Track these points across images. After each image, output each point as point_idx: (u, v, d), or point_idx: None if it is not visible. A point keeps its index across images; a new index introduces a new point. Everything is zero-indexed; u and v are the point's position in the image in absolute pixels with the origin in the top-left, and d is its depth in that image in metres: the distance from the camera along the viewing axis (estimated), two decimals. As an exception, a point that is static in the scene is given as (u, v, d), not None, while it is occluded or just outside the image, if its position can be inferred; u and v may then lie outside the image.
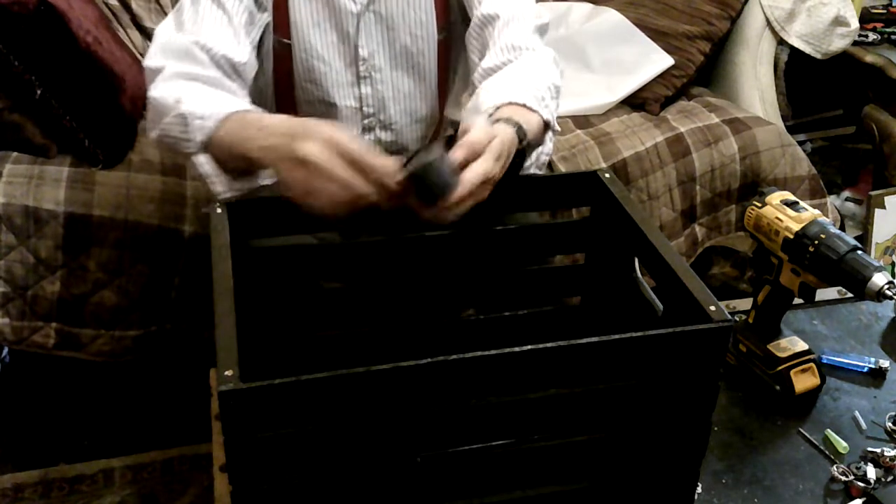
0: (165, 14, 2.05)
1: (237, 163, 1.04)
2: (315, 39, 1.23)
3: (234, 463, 0.76)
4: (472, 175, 0.96)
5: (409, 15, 1.24)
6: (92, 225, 1.60)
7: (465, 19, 1.27)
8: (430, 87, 1.31)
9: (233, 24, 1.15)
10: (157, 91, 1.09)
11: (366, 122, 1.30)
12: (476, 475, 0.86)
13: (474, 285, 1.13)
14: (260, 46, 1.23)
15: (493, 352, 0.78)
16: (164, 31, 1.16)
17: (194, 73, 1.10)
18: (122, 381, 1.84)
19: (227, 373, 0.74)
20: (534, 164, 1.19)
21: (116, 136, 1.68)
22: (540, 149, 1.18)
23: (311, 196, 0.95)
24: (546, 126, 1.13)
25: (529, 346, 0.78)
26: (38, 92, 1.59)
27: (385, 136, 1.32)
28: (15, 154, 1.66)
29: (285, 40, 1.23)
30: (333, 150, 0.93)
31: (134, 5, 2.01)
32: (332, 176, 0.93)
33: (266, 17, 1.21)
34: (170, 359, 1.71)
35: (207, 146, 1.05)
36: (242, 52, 1.16)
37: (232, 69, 1.15)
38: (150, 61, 1.13)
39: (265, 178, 1.09)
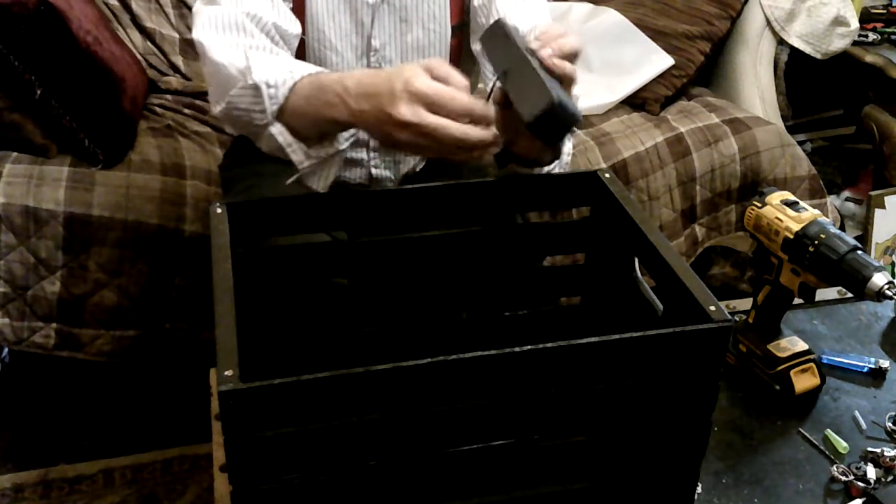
0: (165, 14, 2.05)
1: (320, 128, 1.01)
2: (329, 29, 1.22)
3: (234, 463, 0.76)
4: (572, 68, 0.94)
5: (422, 8, 1.24)
6: (92, 225, 1.60)
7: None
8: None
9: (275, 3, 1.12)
10: (217, 60, 1.05)
11: None
12: (476, 475, 0.86)
13: (474, 285, 1.12)
14: None
15: (493, 352, 0.78)
16: (205, 6, 1.11)
17: (249, 43, 1.07)
18: (122, 381, 1.84)
19: (227, 373, 0.74)
20: (558, 164, 1.14)
21: (116, 136, 1.68)
22: (566, 147, 1.14)
23: (424, 151, 0.93)
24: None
25: (529, 346, 0.78)
26: (38, 92, 1.59)
27: None
28: (15, 154, 1.66)
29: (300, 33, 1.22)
30: (428, 105, 0.90)
31: (134, 5, 2.01)
32: (437, 136, 0.90)
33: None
34: (170, 359, 1.71)
35: (282, 115, 1.01)
36: (286, 19, 1.14)
37: (280, 37, 1.13)
38: (199, 34, 1.09)
39: (343, 143, 1.06)
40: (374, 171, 1.31)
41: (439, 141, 0.91)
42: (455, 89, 0.91)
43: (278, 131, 1.03)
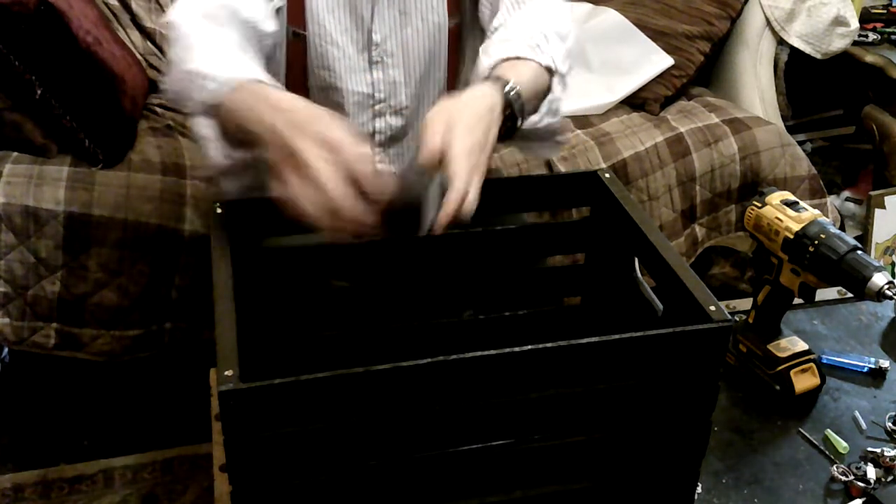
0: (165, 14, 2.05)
1: (239, 133, 0.98)
2: (330, 25, 1.23)
3: (234, 463, 0.76)
4: (446, 215, 0.88)
5: (421, 0, 1.25)
6: (92, 225, 1.60)
7: (476, 2, 1.26)
8: (440, 71, 1.31)
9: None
10: (173, 49, 1.05)
11: (377, 107, 1.29)
12: (476, 475, 0.86)
13: (474, 285, 1.12)
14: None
15: (493, 352, 0.78)
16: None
17: (218, 33, 1.05)
18: (122, 381, 1.84)
19: (227, 373, 0.74)
20: (545, 114, 1.13)
21: (116, 135, 1.69)
22: (550, 96, 1.13)
23: (294, 197, 0.87)
24: (549, 72, 1.09)
25: (529, 346, 0.78)
26: (39, 92, 1.59)
27: (395, 121, 1.31)
28: (15, 154, 1.66)
29: (300, 31, 1.22)
30: (332, 154, 0.87)
31: (134, 5, 2.01)
32: (320, 184, 0.85)
33: (280, 2, 1.20)
34: (170, 359, 1.71)
35: (214, 110, 0.99)
36: (264, 17, 1.13)
37: (254, 35, 1.11)
38: (171, 15, 1.08)
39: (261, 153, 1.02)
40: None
41: (315, 187, 0.86)
42: (363, 153, 0.88)
43: (203, 123, 1.00)
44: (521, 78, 1.03)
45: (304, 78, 1.27)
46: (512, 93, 1.00)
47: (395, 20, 1.25)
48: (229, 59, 1.03)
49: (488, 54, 1.09)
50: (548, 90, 1.11)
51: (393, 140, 1.32)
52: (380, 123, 1.31)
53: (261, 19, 1.13)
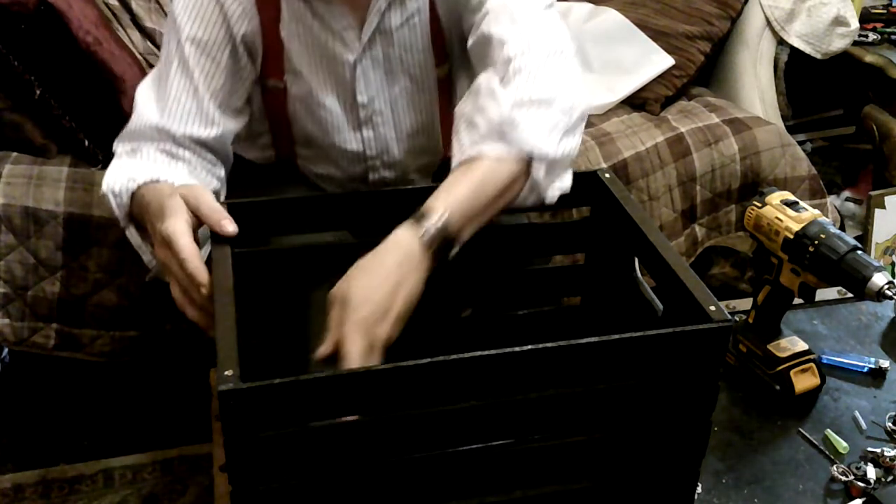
0: (165, 14, 2.04)
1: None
2: (313, 85, 1.19)
3: (234, 463, 0.76)
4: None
5: (406, 58, 1.20)
6: (92, 225, 1.60)
7: (463, 42, 1.19)
8: (433, 120, 1.27)
9: (198, 96, 1.13)
10: (106, 175, 1.12)
11: (369, 162, 1.27)
12: (476, 475, 0.86)
13: (474, 285, 1.12)
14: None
15: (493, 352, 0.78)
16: (139, 102, 1.16)
17: (146, 149, 1.13)
18: (122, 381, 1.84)
19: (227, 373, 0.74)
20: (528, 197, 1.01)
21: (116, 136, 1.68)
22: (530, 181, 1.00)
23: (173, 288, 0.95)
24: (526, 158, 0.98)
25: (529, 346, 0.78)
26: (38, 92, 1.59)
27: (389, 174, 1.29)
28: (15, 154, 1.66)
29: (279, 84, 1.20)
30: (170, 251, 0.93)
31: (134, 5, 2.01)
32: (169, 268, 0.93)
33: (254, 69, 1.18)
34: (170, 359, 1.71)
35: (130, 219, 1.08)
36: (210, 124, 1.14)
37: (199, 145, 1.14)
38: (117, 144, 1.17)
39: None
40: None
41: (170, 275, 0.95)
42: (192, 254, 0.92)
43: (131, 234, 1.10)
44: (460, 195, 0.94)
45: (289, 129, 1.25)
46: (433, 230, 0.91)
47: (380, 80, 1.21)
48: (134, 168, 1.10)
49: (458, 143, 1.01)
50: (521, 177, 0.99)
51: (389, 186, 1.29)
52: (373, 176, 1.29)
53: (199, 128, 1.14)
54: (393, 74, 1.21)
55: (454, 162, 1.00)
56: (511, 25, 1.06)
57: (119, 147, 1.16)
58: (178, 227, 0.92)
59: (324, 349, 0.87)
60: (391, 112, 1.24)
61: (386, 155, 1.27)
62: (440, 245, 0.92)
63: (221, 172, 1.18)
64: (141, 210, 1.04)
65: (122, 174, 1.09)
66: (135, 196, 1.06)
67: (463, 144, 1.00)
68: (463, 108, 1.04)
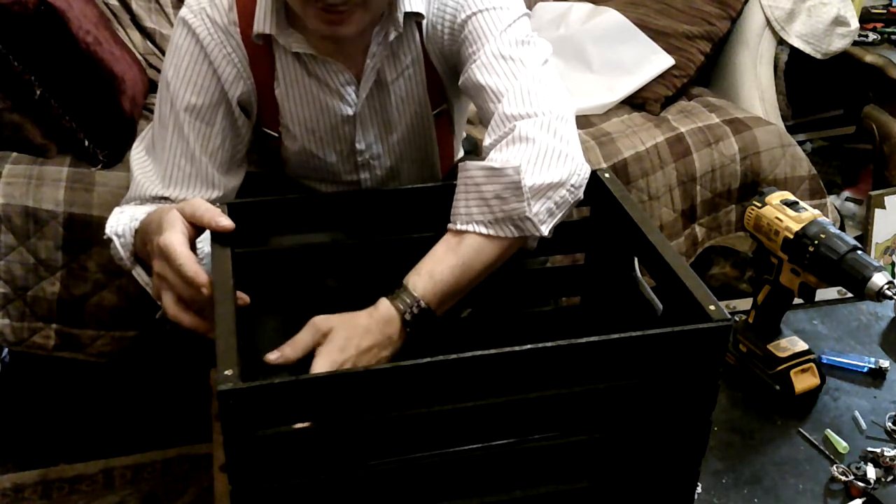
0: (165, 14, 2.05)
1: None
2: (309, 141, 1.20)
3: (234, 463, 0.76)
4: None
5: (403, 108, 1.21)
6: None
7: (456, 75, 1.17)
8: (431, 155, 1.28)
9: (196, 162, 1.13)
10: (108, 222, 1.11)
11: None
12: (476, 475, 0.86)
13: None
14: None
15: (492, 351, 0.78)
16: (136, 169, 1.16)
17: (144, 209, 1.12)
18: (122, 381, 1.84)
19: (227, 373, 0.74)
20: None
21: (116, 135, 1.68)
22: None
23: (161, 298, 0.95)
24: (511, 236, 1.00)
25: (529, 346, 0.78)
26: (38, 92, 1.59)
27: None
28: (15, 154, 1.66)
29: (273, 133, 1.20)
30: (167, 261, 0.92)
31: (134, 5, 2.01)
32: (165, 278, 0.93)
33: (251, 122, 1.19)
34: (170, 359, 1.71)
35: (137, 258, 1.08)
36: (211, 187, 1.15)
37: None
38: (121, 205, 1.16)
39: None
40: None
41: (163, 282, 0.94)
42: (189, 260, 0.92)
43: (137, 273, 1.09)
44: (443, 267, 0.98)
45: (280, 168, 1.26)
46: (414, 308, 0.97)
47: (378, 129, 1.21)
48: (134, 211, 1.10)
49: (464, 202, 1.00)
50: (511, 249, 1.03)
51: None
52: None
53: (195, 193, 1.14)
54: (391, 123, 1.22)
55: (455, 221, 1.00)
56: (511, 80, 1.06)
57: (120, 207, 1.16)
58: (175, 238, 0.92)
59: (280, 358, 0.93)
60: (388, 155, 1.25)
61: (382, 187, 1.28)
62: (420, 321, 0.98)
63: None
64: (143, 237, 1.03)
65: (125, 217, 1.09)
66: (137, 231, 1.05)
67: (471, 213, 1.00)
68: (475, 174, 1.00)
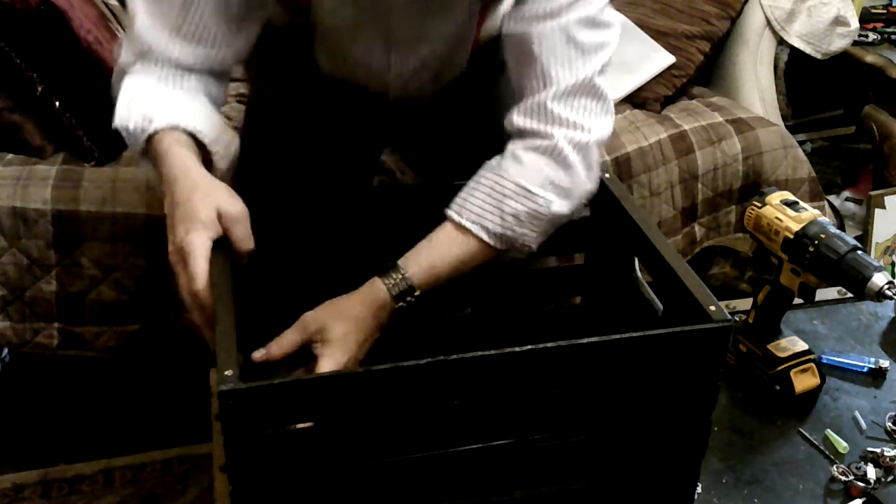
0: (165, 14, 2.04)
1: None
2: (343, 23, 1.09)
3: (234, 463, 0.76)
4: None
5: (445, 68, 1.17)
6: (80, 221, 1.60)
7: None
8: (463, 47, 1.18)
9: (203, 14, 1.03)
10: (119, 91, 1.08)
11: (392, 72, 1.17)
12: (476, 475, 0.86)
13: (474, 285, 1.12)
14: None
15: (492, 352, 0.78)
16: (139, 13, 1.07)
17: (149, 71, 1.06)
18: (122, 381, 1.84)
19: (227, 373, 0.74)
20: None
21: (114, 133, 1.68)
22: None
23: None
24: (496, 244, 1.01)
25: (529, 346, 0.78)
26: (39, 89, 1.60)
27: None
28: (10, 156, 1.67)
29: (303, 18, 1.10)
30: (185, 262, 0.89)
31: (134, 5, 2.01)
32: (179, 278, 0.90)
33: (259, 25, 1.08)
34: (174, 351, 1.70)
35: (146, 154, 1.02)
36: (219, 45, 1.05)
37: (207, 71, 1.07)
38: (122, 54, 1.08)
39: None
40: None
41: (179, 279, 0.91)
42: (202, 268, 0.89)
43: (145, 168, 1.04)
44: (437, 272, 0.99)
45: (311, 44, 1.15)
46: (409, 298, 0.98)
47: (420, 17, 1.10)
48: (142, 105, 1.03)
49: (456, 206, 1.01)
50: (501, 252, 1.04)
51: None
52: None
53: (210, 56, 1.05)
54: (433, 13, 1.10)
55: (453, 212, 1.00)
56: (567, 73, 1.01)
57: (123, 56, 1.09)
58: (199, 243, 0.89)
59: (265, 356, 0.93)
60: (424, 44, 1.13)
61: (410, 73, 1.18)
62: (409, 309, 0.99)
63: (228, 86, 1.12)
64: (162, 169, 0.96)
65: (137, 110, 1.02)
66: (152, 140, 0.99)
67: (482, 217, 1.00)
68: (507, 185, 1.00)
